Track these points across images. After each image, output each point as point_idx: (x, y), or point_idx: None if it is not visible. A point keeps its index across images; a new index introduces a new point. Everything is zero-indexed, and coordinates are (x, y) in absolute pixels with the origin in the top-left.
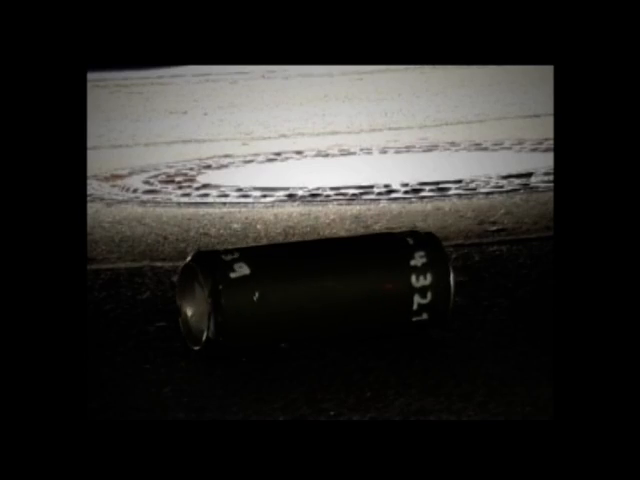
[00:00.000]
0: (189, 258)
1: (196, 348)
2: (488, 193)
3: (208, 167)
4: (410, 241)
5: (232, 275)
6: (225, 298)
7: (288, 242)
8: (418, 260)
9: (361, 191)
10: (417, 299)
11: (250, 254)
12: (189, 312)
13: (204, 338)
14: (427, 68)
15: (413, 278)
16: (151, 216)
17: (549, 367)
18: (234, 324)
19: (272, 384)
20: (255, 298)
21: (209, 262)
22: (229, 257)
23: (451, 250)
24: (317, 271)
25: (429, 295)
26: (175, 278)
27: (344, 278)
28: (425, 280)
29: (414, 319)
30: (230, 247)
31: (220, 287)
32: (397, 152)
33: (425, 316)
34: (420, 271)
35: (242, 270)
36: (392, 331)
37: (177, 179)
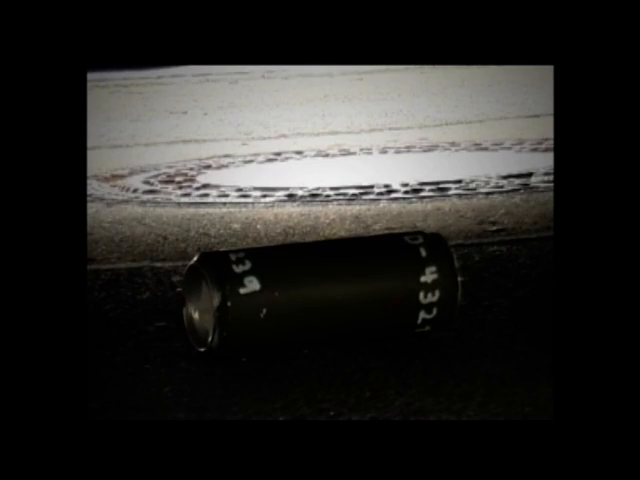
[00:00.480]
0: (199, 259)
1: (199, 349)
2: (488, 193)
3: (208, 167)
4: (423, 253)
5: (242, 291)
6: (232, 315)
7: (300, 249)
8: (429, 276)
9: (361, 191)
10: (422, 314)
11: (261, 265)
12: (194, 309)
13: (207, 345)
14: (427, 68)
15: (421, 295)
16: (151, 216)
17: (549, 367)
18: (238, 339)
19: (272, 384)
20: (262, 315)
21: (220, 272)
22: (240, 268)
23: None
24: (327, 289)
25: (434, 311)
26: (175, 278)
27: (354, 297)
28: (433, 297)
29: (417, 331)
30: (241, 251)
31: (229, 304)
32: (397, 152)
33: (428, 328)
34: (429, 288)
35: (252, 285)
36: (392, 338)
37: (177, 179)
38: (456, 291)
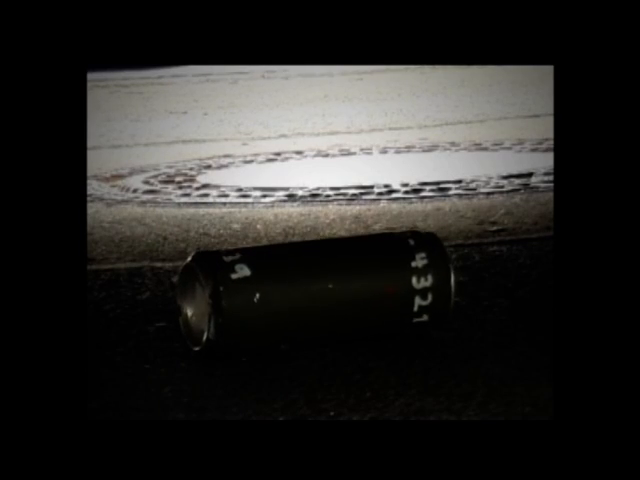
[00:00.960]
0: (190, 258)
1: (196, 349)
2: (488, 193)
3: (208, 167)
4: (411, 242)
5: (233, 276)
6: (226, 299)
7: (289, 242)
8: (419, 262)
9: (361, 191)
10: (418, 301)
11: (251, 255)
12: (189, 312)
13: (204, 339)
14: (427, 68)
15: (414, 280)
16: (151, 216)
17: (549, 367)
18: (234, 325)
19: (272, 384)
20: (256, 299)
21: (210, 263)
22: (230, 258)
23: (451, 250)
24: (318, 272)
25: (430, 297)
26: (175, 278)
27: (345, 279)
28: (426, 282)
29: (414, 320)
30: (231, 248)
31: (221, 288)
32: (397, 152)
33: (425, 317)
34: (421, 272)
35: (243, 271)
36: (392, 332)
37: (177, 179)
38: (449, 276)
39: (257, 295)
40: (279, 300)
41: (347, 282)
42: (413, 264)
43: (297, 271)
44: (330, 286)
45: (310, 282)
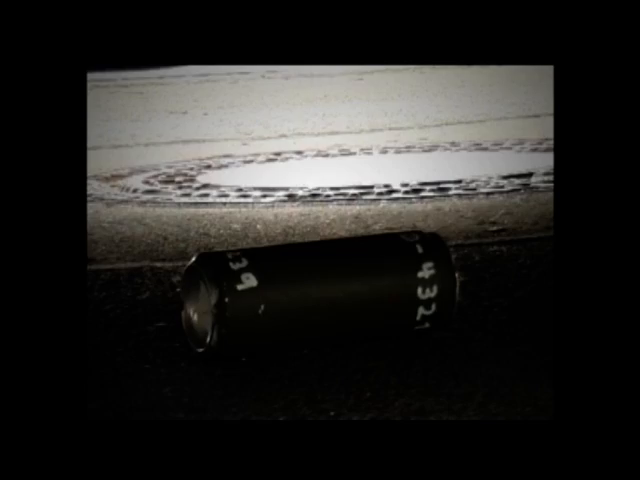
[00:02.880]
0: (196, 259)
1: (198, 350)
2: (488, 193)
3: (208, 167)
4: (419, 249)
5: (239, 287)
6: (230, 311)
7: (296, 247)
8: (426, 272)
9: (361, 191)
10: (421, 310)
11: (258, 263)
12: (192, 309)
13: (206, 344)
14: (427, 68)
15: (419, 290)
16: (151, 216)
17: (549, 367)
18: (237, 336)
19: (272, 384)
20: (260, 311)
21: (217, 270)
22: (237, 265)
23: (451, 250)
24: (325, 285)
25: (433, 307)
26: (175, 278)
27: (351, 292)
28: (431, 292)
29: (416, 328)
30: (237, 250)
31: (226, 300)
32: (397, 152)
33: (427, 325)
34: (427, 283)
35: (249, 282)
36: (392, 337)
37: (177, 179)
38: (454, 286)
39: (262, 307)
40: (284, 313)
41: (353, 294)
42: (420, 275)
43: (303, 282)
44: (336, 298)
45: (316, 295)
